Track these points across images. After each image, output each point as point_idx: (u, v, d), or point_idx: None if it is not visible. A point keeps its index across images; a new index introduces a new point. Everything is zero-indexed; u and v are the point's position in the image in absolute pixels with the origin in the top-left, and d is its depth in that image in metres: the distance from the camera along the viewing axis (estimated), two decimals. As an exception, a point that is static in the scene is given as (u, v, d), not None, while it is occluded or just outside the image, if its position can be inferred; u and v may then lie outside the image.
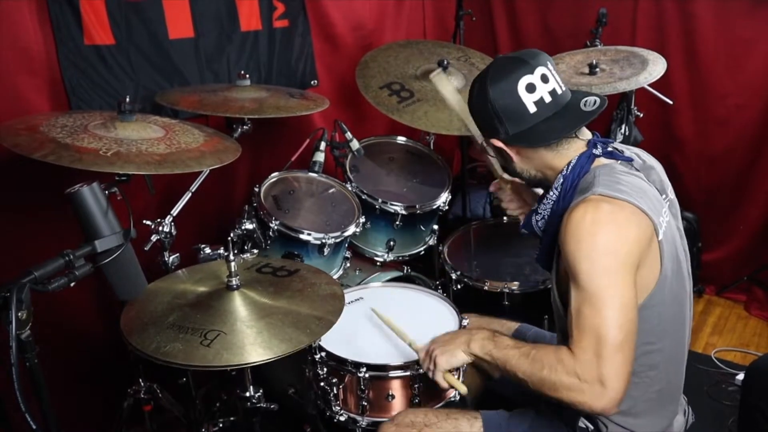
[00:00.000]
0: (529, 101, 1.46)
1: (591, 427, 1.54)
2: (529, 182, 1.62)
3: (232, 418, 2.10)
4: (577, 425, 1.55)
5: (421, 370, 1.69)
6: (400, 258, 2.57)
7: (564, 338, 1.52)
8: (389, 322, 1.85)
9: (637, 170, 1.50)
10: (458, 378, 1.81)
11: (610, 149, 1.51)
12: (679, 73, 3.12)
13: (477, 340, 1.52)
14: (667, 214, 1.45)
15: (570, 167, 1.47)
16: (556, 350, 1.37)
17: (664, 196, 1.51)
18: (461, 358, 1.55)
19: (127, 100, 1.76)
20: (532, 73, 1.45)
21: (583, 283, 1.33)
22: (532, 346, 1.43)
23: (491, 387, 1.89)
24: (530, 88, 1.45)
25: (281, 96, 2.35)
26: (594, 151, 1.48)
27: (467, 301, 2.31)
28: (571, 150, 1.50)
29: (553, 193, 1.50)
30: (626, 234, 1.34)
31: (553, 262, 1.53)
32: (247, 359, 1.39)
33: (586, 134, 1.53)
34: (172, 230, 1.94)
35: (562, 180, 1.48)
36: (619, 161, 1.50)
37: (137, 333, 1.47)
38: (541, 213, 1.54)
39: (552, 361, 1.35)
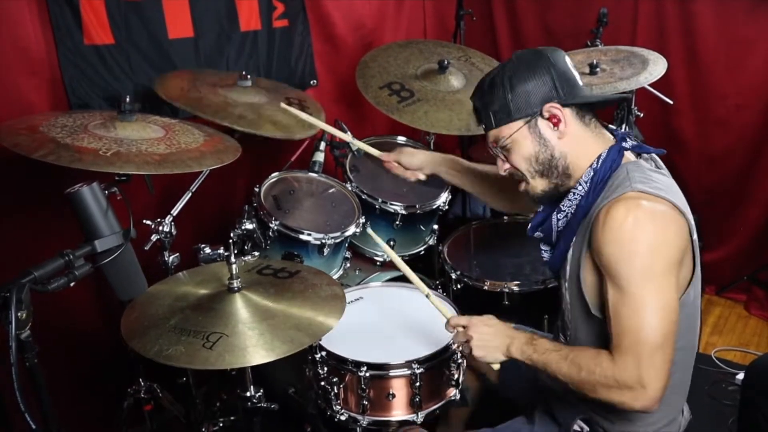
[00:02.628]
0: (576, 74, 1.48)
1: (587, 428, 1.54)
2: (551, 182, 1.49)
3: (232, 418, 2.10)
4: (572, 428, 1.55)
5: (421, 369, 1.69)
6: (401, 258, 2.56)
7: (583, 331, 1.51)
8: (399, 263, 1.76)
9: (659, 168, 1.48)
10: (459, 377, 1.82)
11: (637, 143, 1.48)
12: (680, 73, 3.12)
13: (517, 345, 1.49)
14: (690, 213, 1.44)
15: (600, 160, 1.43)
16: (596, 353, 1.37)
17: None
18: (498, 358, 1.53)
19: (127, 99, 1.76)
20: (566, 55, 1.48)
21: (622, 284, 1.31)
22: (570, 349, 1.43)
23: (492, 387, 1.89)
24: (573, 65, 1.48)
25: (281, 99, 2.33)
26: (624, 144, 1.45)
27: (467, 300, 2.30)
28: (604, 138, 1.48)
29: (582, 188, 1.44)
30: (667, 234, 1.32)
31: (567, 262, 1.49)
32: (249, 361, 1.39)
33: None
34: (172, 230, 1.94)
35: (592, 174, 1.43)
36: (637, 155, 1.48)
37: (138, 336, 1.46)
38: (565, 211, 1.48)
39: (591, 364, 1.35)
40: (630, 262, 1.30)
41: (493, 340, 1.53)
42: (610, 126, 1.53)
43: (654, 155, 1.52)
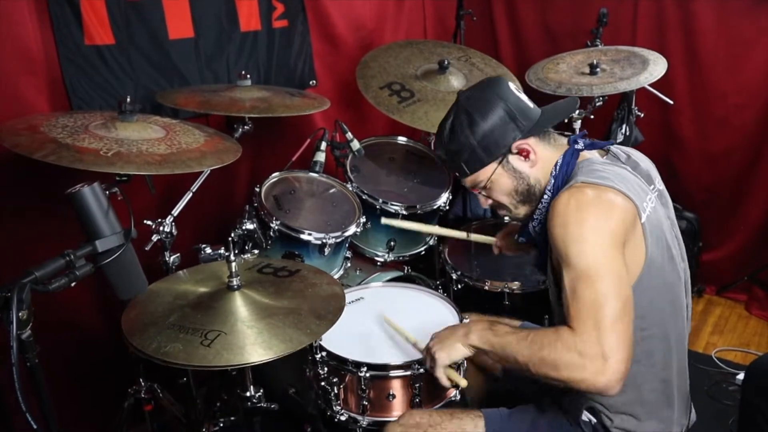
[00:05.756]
0: (525, 99, 1.54)
1: (594, 420, 1.54)
2: (532, 205, 1.57)
3: (232, 418, 2.10)
4: (580, 419, 1.56)
5: (421, 369, 1.69)
6: (401, 258, 2.56)
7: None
8: (397, 327, 1.86)
9: (624, 164, 1.53)
10: (460, 374, 1.82)
11: (590, 141, 1.54)
12: (680, 73, 3.12)
13: (475, 331, 1.50)
14: (652, 201, 1.47)
15: (558, 167, 1.50)
16: (555, 329, 1.35)
17: (651, 186, 1.53)
18: (461, 351, 1.52)
19: (128, 100, 1.75)
20: (508, 81, 1.55)
21: (574, 262, 1.34)
22: (530, 330, 1.41)
23: (492, 387, 1.89)
24: (517, 89, 1.54)
25: (284, 96, 2.36)
26: (576, 146, 1.52)
27: (467, 300, 2.31)
28: (561, 146, 1.54)
29: (547, 196, 1.51)
30: (610, 214, 1.36)
31: (548, 261, 1.54)
32: (247, 359, 1.39)
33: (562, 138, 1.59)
34: (173, 230, 1.94)
35: (553, 181, 1.50)
36: (604, 152, 1.55)
37: (138, 333, 1.46)
38: (537, 218, 1.56)
39: (551, 339, 1.33)
40: (577, 241, 1.34)
41: (450, 336, 1.55)
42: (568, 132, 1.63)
43: (626, 150, 1.58)
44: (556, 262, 1.43)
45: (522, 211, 1.59)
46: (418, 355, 1.73)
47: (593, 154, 1.53)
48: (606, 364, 1.26)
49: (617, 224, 1.36)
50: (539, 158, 1.52)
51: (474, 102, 1.51)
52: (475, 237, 2.05)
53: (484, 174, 1.54)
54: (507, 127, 1.49)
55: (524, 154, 1.51)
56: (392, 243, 2.50)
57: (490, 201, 1.61)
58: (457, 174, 1.59)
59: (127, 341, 1.46)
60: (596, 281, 1.31)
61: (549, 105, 1.59)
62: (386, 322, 1.90)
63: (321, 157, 2.45)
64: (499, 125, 1.49)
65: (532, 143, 1.51)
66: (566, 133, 1.60)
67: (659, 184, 1.58)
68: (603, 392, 1.30)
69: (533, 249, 1.81)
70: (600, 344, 1.27)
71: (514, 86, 1.54)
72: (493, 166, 1.53)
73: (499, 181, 1.54)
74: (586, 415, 1.56)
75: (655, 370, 1.48)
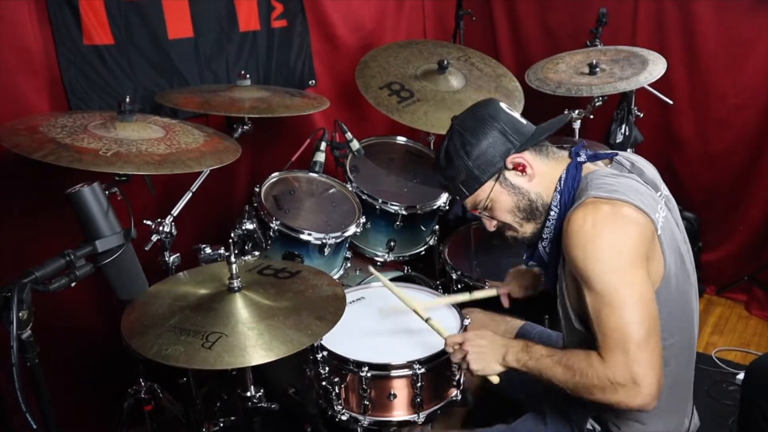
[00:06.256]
0: (517, 116, 1.54)
1: (599, 428, 1.54)
2: (537, 222, 1.55)
3: (232, 418, 2.10)
4: (584, 427, 1.55)
5: (423, 369, 1.69)
6: (401, 258, 2.56)
7: (572, 343, 1.53)
8: (398, 292, 1.84)
9: (630, 172, 1.52)
10: (461, 378, 1.82)
11: (591, 152, 1.53)
12: (680, 73, 3.12)
13: (512, 353, 1.52)
14: (663, 210, 1.46)
15: (562, 182, 1.49)
16: (586, 355, 1.39)
17: (659, 193, 1.52)
18: (496, 369, 1.56)
19: (127, 100, 1.75)
20: (499, 102, 1.55)
21: (595, 285, 1.34)
22: (563, 353, 1.44)
23: (494, 387, 1.89)
24: (509, 108, 1.55)
25: (283, 96, 2.36)
26: (579, 159, 1.50)
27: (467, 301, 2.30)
28: (561, 159, 1.53)
29: (554, 213, 1.49)
30: (628, 232, 1.35)
31: (558, 280, 1.52)
32: (248, 361, 1.38)
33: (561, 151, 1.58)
34: (173, 230, 1.93)
35: (558, 197, 1.49)
36: (609, 162, 1.54)
37: (138, 336, 1.46)
38: (546, 237, 1.54)
39: (583, 366, 1.37)
40: (597, 262, 1.33)
41: (488, 352, 1.56)
42: (566, 142, 1.62)
43: (629, 157, 1.57)
44: (571, 277, 1.42)
45: (528, 229, 1.56)
46: (419, 355, 1.73)
47: (598, 165, 1.52)
48: (638, 387, 1.31)
49: (637, 241, 1.34)
50: (537, 172, 1.51)
51: (466, 124, 1.53)
52: (478, 294, 1.97)
53: (482, 193, 1.54)
54: (500, 144, 1.49)
55: (520, 168, 1.50)
56: (392, 243, 2.50)
57: (494, 222, 1.60)
58: (458, 198, 1.60)
59: (128, 345, 1.45)
60: (619, 307, 1.32)
61: (544, 123, 1.59)
62: (380, 280, 1.90)
63: (321, 157, 2.45)
64: (492, 143, 1.49)
65: (527, 157, 1.50)
66: (565, 145, 1.59)
67: (665, 190, 1.56)
68: (641, 410, 1.37)
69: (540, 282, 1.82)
70: (629, 371, 1.31)
71: (506, 105, 1.55)
72: (490, 183, 1.52)
73: (498, 198, 1.53)
74: (590, 424, 1.56)
75: (668, 377, 1.48)
